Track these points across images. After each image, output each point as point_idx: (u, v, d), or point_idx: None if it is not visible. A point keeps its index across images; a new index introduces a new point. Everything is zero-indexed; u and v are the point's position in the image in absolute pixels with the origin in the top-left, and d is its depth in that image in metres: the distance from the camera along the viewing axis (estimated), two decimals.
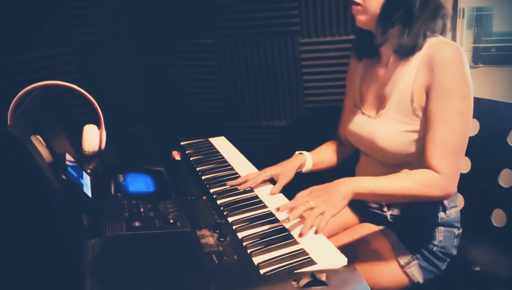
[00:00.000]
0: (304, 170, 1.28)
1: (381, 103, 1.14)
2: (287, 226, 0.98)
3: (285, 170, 1.23)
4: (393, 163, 1.13)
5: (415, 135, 1.07)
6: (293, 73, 1.74)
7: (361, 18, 1.09)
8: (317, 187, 1.02)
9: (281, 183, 1.19)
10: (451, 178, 1.02)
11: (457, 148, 1.01)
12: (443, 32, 1.08)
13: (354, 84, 1.26)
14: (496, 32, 1.87)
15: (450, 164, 1.01)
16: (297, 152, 1.31)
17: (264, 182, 1.22)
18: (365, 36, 1.13)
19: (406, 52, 1.05)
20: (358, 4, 1.07)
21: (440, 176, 1.01)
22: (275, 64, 1.75)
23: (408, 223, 1.17)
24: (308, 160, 1.29)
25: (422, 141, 1.06)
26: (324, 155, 1.34)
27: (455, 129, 1.00)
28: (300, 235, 0.93)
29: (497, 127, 1.25)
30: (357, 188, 0.99)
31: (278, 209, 1.00)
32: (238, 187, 1.19)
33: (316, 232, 0.94)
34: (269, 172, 1.22)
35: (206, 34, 1.77)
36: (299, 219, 0.98)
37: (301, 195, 1.02)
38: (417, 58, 1.05)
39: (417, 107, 1.05)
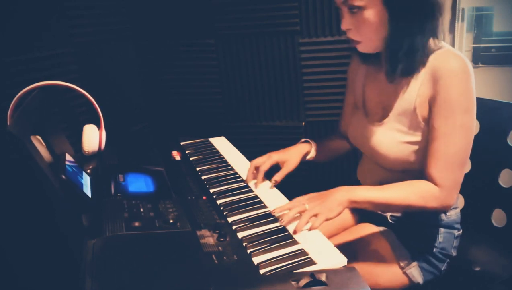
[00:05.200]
0: (309, 157, 1.28)
1: (384, 110, 1.13)
2: (287, 226, 0.98)
3: (290, 157, 1.23)
4: (394, 169, 1.13)
5: (417, 146, 1.07)
6: (293, 73, 1.74)
7: (363, 50, 1.09)
8: (314, 193, 1.03)
9: (284, 170, 1.20)
10: (449, 191, 1.01)
11: (457, 161, 1.01)
12: (439, 33, 1.05)
13: (355, 85, 1.26)
14: (496, 32, 1.87)
15: (449, 177, 1.01)
16: (302, 139, 1.30)
17: (263, 181, 1.22)
18: None
19: (412, 71, 1.04)
20: (358, 42, 1.06)
21: (439, 189, 1.01)
22: (275, 64, 1.75)
23: (409, 224, 1.17)
24: (314, 148, 1.28)
25: (423, 151, 1.05)
26: (327, 147, 1.34)
27: (455, 142, 1.00)
28: (295, 232, 0.94)
29: (497, 127, 1.25)
30: (353, 197, 0.99)
31: (274, 211, 1.02)
32: (256, 180, 1.19)
33: (310, 229, 0.95)
34: (274, 157, 1.22)
35: (206, 34, 1.77)
36: (297, 220, 0.98)
37: (298, 200, 1.03)
38: (422, 70, 1.03)
39: (420, 119, 1.05)
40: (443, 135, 1.00)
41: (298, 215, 0.99)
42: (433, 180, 1.01)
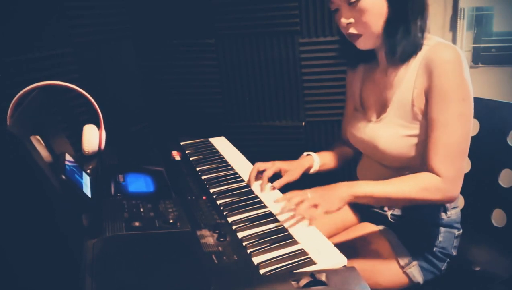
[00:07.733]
0: (311, 171, 1.29)
1: (382, 107, 1.14)
2: (287, 225, 0.98)
3: (293, 168, 1.24)
4: (395, 166, 1.13)
5: (416, 139, 1.07)
6: (293, 73, 1.74)
7: (364, 45, 1.09)
8: (316, 188, 1.03)
9: (285, 179, 1.20)
10: (452, 181, 1.01)
11: (458, 150, 1.01)
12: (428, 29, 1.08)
13: (353, 89, 1.27)
14: (496, 32, 1.87)
15: (451, 167, 1.00)
16: (305, 153, 1.31)
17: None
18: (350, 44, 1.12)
19: (408, 56, 1.06)
20: (359, 35, 1.06)
21: (442, 179, 1.00)
22: (275, 64, 1.75)
23: (409, 223, 1.17)
24: (316, 161, 1.29)
25: (423, 145, 1.06)
26: (331, 156, 1.34)
27: (455, 132, 1.00)
28: (293, 216, 0.97)
29: (497, 127, 1.25)
30: (355, 192, 1.00)
31: (277, 201, 1.03)
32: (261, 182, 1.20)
33: (310, 219, 0.97)
34: (278, 165, 1.23)
35: (206, 34, 1.77)
36: (298, 220, 0.99)
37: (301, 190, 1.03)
38: (416, 62, 1.05)
39: (417, 111, 1.05)
40: (442, 125, 1.00)
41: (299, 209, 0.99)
42: (435, 171, 1.01)
